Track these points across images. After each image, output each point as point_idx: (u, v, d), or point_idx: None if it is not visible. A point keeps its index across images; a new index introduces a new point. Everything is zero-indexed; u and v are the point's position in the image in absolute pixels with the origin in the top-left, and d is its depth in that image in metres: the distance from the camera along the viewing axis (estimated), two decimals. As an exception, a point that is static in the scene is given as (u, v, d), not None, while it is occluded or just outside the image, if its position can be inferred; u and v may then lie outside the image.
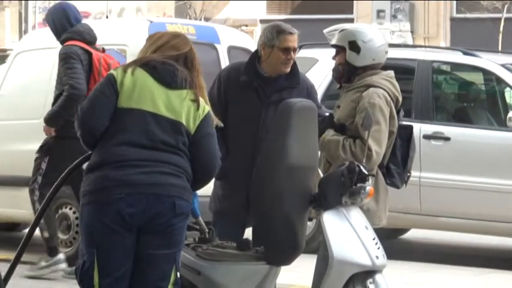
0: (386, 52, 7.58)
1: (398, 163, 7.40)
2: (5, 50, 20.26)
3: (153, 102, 6.19)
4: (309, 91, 7.96)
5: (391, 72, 7.64)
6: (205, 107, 6.31)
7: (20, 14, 26.76)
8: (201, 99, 6.32)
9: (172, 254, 6.24)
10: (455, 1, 22.74)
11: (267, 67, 7.75)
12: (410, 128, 7.52)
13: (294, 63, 7.85)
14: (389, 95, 7.34)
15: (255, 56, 7.86)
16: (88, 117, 6.24)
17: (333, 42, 7.51)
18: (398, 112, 7.47)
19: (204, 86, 6.41)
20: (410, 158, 7.44)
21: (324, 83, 11.78)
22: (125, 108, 6.19)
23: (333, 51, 7.68)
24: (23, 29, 25.89)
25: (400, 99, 7.51)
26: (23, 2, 26.56)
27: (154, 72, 6.24)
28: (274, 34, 7.76)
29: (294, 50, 7.86)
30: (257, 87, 7.71)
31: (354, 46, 7.37)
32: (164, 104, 6.21)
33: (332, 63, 7.75)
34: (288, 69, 7.74)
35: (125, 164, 6.14)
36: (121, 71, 6.27)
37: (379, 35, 7.57)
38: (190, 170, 6.25)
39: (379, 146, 7.14)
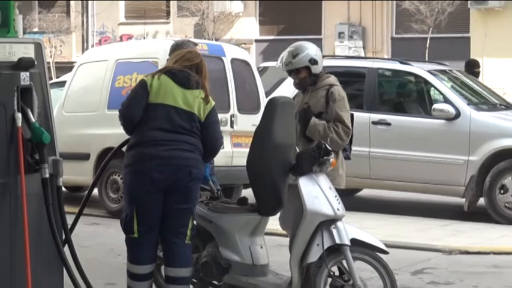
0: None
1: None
2: (71, 63, 20.19)
3: (173, 99, 6.17)
4: None
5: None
6: (212, 102, 6.31)
7: (83, 36, 26.72)
8: (209, 97, 6.30)
9: (189, 208, 6.23)
10: (395, 25, 22.67)
11: None
12: (352, 115, 7.44)
13: None
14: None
15: None
16: (127, 111, 6.24)
17: (294, 67, 7.24)
18: None
19: (208, 87, 6.34)
20: (352, 136, 7.38)
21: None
22: (154, 103, 6.17)
23: None
24: (85, 47, 25.82)
25: None
26: (85, 27, 26.57)
27: (174, 77, 6.23)
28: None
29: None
30: None
31: (314, 61, 7.28)
32: (182, 99, 6.19)
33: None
34: None
35: (155, 143, 6.12)
36: (150, 77, 6.27)
37: (314, 46, 7.45)
38: (201, 146, 6.23)
39: (350, 126, 7.15)
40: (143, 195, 6.13)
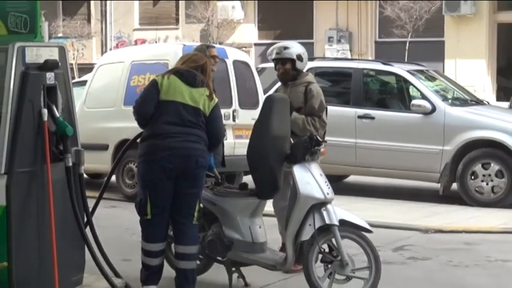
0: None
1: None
2: (92, 64, 20.18)
3: (182, 96, 6.16)
4: None
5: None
6: (215, 99, 6.31)
7: (102, 40, 26.66)
8: (212, 94, 6.30)
9: (197, 192, 6.23)
10: (378, 30, 22.65)
11: None
12: (327, 108, 7.40)
13: None
14: None
15: None
16: (140, 107, 6.23)
17: (281, 56, 7.29)
18: None
19: (211, 85, 6.36)
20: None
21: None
22: (164, 100, 6.16)
23: None
24: (103, 50, 25.77)
25: None
26: (104, 33, 26.51)
27: (182, 77, 6.22)
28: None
29: (217, 57, 7.90)
30: None
31: (300, 57, 7.28)
32: (189, 96, 6.18)
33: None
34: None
35: (166, 135, 6.11)
36: (161, 77, 6.26)
37: (303, 48, 7.46)
38: (206, 138, 6.23)
39: (326, 120, 7.11)
40: (155, 182, 6.12)
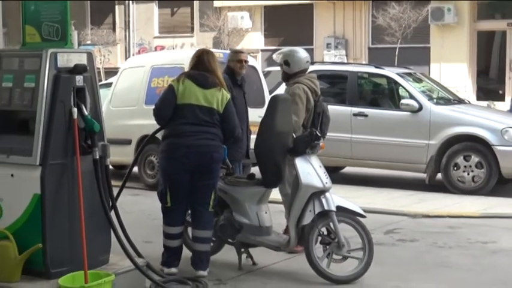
0: (307, 62, 7.33)
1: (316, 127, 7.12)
2: (116, 68, 20.17)
3: (196, 98, 6.16)
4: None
5: (314, 74, 7.47)
6: (228, 96, 6.27)
7: (125, 47, 26.64)
8: (224, 91, 6.26)
9: (212, 184, 6.23)
10: (371, 37, 22.60)
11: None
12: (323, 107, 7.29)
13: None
14: (307, 86, 7.13)
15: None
16: (160, 112, 6.25)
17: (278, 61, 7.33)
18: (318, 98, 7.27)
19: (224, 82, 6.34)
20: (324, 123, 7.23)
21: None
22: (181, 103, 6.16)
23: None
24: (127, 56, 25.76)
25: (318, 90, 7.25)
26: (127, 40, 26.49)
27: (196, 80, 6.21)
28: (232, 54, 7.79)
29: (246, 61, 7.76)
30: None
31: (286, 63, 7.22)
32: (203, 98, 6.17)
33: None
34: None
35: (184, 134, 6.12)
36: (176, 81, 6.25)
37: (303, 53, 7.31)
38: (221, 134, 6.22)
39: (296, 116, 6.94)
40: (175, 176, 6.13)
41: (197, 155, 6.09)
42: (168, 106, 6.18)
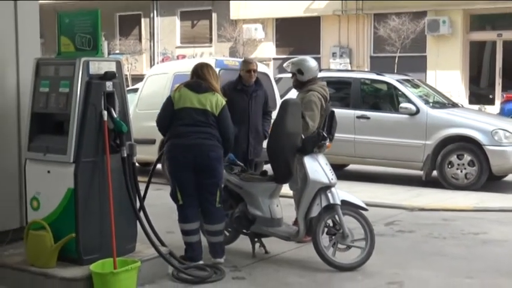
0: (317, 70, 7.24)
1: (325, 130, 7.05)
2: (142, 75, 20.23)
3: (191, 102, 6.13)
4: (265, 94, 7.92)
5: (324, 82, 7.38)
6: (223, 101, 6.23)
7: (150, 56, 26.72)
8: (219, 96, 6.22)
9: (215, 181, 6.14)
10: (373, 47, 22.56)
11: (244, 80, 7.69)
12: (333, 111, 7.20)
13: (257, 77, 7.76)
14: (320, 94, 7.08)
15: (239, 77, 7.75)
16: (160, 122, 6.25)
17: (289, 70, 7.21)
18: (327, 103, 7.21)
19: (218, 88, 6.28)
20: (333, 127, 7.16)
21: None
22: (178, 108, 6.13)
23: None
24: (151, 64, 25.83)
25: (328, 96, 7.16)
26: (152, 50, 26.58)
27: (190, 87, 6.20)
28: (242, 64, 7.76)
29: (254, 71, 7.71)
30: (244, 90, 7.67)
31: (300, 71, 7.15)
32: (196, 101, 6.13)
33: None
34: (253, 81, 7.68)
35: (181, 135, 6.09)
36: (174, 91, 6.25)
37: (313, 62, 7.21)
38: (218, 134, 6.15)
39: (313, 122, 6.90)
40: (178, 174, 6.09)
41: (194, 154, 6.03)
42: (166, 116, 6.16)
